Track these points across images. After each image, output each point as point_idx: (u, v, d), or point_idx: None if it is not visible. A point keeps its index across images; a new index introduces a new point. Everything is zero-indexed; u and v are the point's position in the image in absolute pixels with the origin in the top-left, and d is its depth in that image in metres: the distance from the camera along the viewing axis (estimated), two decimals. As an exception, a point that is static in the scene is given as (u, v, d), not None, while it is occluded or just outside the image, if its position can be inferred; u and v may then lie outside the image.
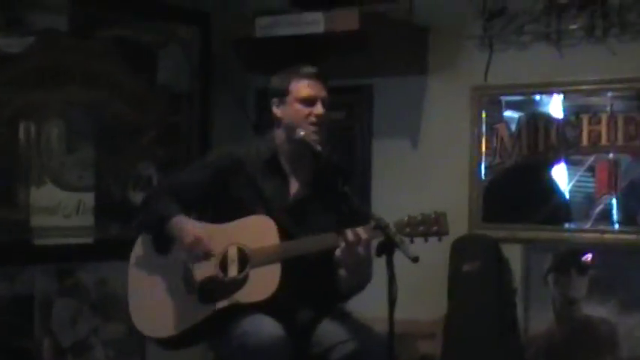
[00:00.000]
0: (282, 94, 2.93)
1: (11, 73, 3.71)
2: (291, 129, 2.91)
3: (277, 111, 2.95)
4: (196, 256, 2.82)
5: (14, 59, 3.72)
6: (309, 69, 2.94)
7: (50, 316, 3.83)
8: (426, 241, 2.76)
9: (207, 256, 2.82)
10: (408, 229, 2.75)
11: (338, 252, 2.79)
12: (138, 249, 3.01)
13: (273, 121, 2.99)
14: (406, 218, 2.76)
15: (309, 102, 2.89)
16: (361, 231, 2.74)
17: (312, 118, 2.87)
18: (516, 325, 4.02)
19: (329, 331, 2.87)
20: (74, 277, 3.95)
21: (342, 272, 2.87)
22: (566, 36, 3.96)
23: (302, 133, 2.86)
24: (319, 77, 2.93)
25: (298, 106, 2.90)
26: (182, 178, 3.04)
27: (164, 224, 2.87)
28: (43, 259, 3.83)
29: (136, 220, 3.04)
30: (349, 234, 2.74)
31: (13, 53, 3.72)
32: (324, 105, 2.90)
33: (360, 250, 2.75)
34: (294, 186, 2.97)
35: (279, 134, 2.97)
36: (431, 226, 2.76)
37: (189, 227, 2.84)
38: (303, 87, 2.90)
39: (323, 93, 2.91)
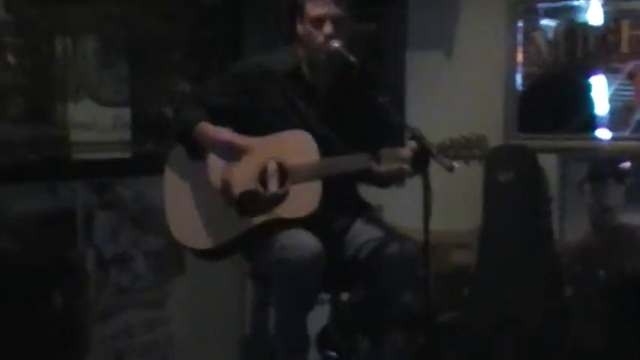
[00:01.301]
0: (300, 11, 2.89)
1: (45, -12, 3.70)
2: (307, 45, 2.88)
3: (299, 27, 2.92)
4: (226, 156, 2.82)
5: (48, -25, 3.71)
6: None
7: (92, 228, 3.90)
8: (467, 163, 2.75)
9: (241, 155, 2.81)
10: (451, 152, 2.73)
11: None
12: (173, 159, 3.01)
13: (294, 33, 2.95)
14: (449, 140, 2.75)
15: (318, 22, 2.83)
16: (400, 156, 2.73)
17: (320, 39, 2.83)
18: (552, 234, 4.03)
19: (360, 231, 2.90)
20: (113, 191, 4.00)
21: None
22: (606, -62, 3.88)
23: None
24: None
25: (309, 26, 2.86)
26: (210, 86, 3.01)
27: (188, 130, 2.85)
28: (83, 173, 3.88)
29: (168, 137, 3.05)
30: (392, 156, 2.73)
31: (47, -31, 3.71)
32: (335, 23, 2.82)
33: (400, 170, 2.75)
34: (322, 95, 2.95)
35: (301, 48, 2.94)
36: (472, 149, 2.74)
37: (218, 131, 2.82)
38: (312, 6, 2.84)
39: (334, 10, 2.83)
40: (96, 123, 3.93)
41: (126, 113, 4.04)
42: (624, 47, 3.86)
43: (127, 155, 4.05)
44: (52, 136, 3.76)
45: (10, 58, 3.62)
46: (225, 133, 2.83)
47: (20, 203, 3.61)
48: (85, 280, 3.86)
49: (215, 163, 2.89)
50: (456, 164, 2.62)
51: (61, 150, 3.79)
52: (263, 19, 4.61)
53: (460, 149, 2.73)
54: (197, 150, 2.90)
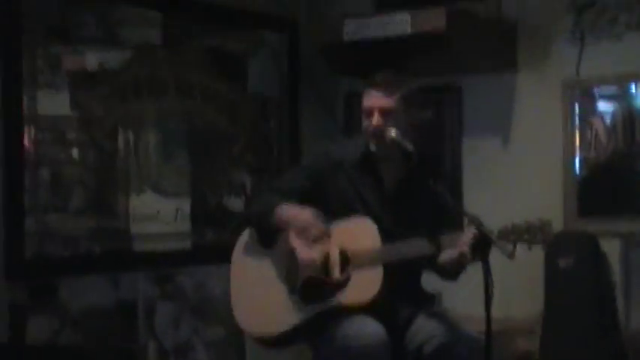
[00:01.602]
0: (360, 103, 2.97)
1: (111, 86, 3.83)
2: (365, 136, 2.94)
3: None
4: (310, 237, 2.85)
5: (113, 73, 3.84)
6: (379, 77, 2.92)
7: (153, 319, 3.93)
8: (530, 248, 2.74)
9: (320, 237, 2.85)
10: (512, 237, 2.71)
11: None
12: (241, 245, 3.05)
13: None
14: (510, 225, 2.73)
15: (368, 113, 2.90)
16: (460, 241, 2.74)
17: (370, 129, 2.89)
18: (617, 320, 3.95)
19: (423, 326, 2.87)
20: (174, 282, 4.05)
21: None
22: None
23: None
24: (384, 85, 2.90)
25: (363, 118, 2.93)
26: (283, 181, 3.07)
27: (270, 213, 2.91)
28: (145, 265, 3.93)
29: (237, 219, 3.08)
30: (449, 240, 2.74)
31: (111, 67, 3.84)
32: (383, 114, 2.87)
33: (460, 257, 2.75)
34: (388, 185, 2.98)
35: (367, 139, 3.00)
36: (535, 233, 2.72)
37: (298, 210, 2.87)
38: (365, 98, 2.92)
39: (381, 102, 2.88)
40: (157, 214, 4.00)
41: (186, 204, 4.11)
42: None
43: (187, 246, 4.11)
44: (114, 228, 3.84)
45: (75, 153, 3.73)
46: (303, 213, 2.87)
47: (82, 296, 3.66)
48: (148, 372, 3.88)
49: (282, 250, 2.93)
50: (514, 249, 2.60)
51: (122, 242, 3.86)
52: (320, 111, 4.69)
53: (522, 234, 2.71)
54: (270, 235, 2.95)
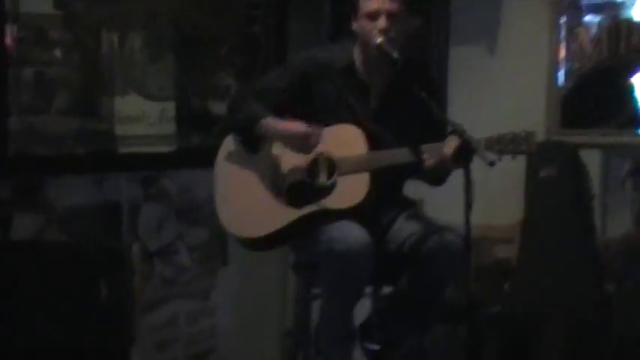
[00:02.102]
0: (354, 8, 2.93)
1: (93, -17, 3.77)
2: (363, 43, 2.92)
3: (354, 24, 2.95)
4: (306, 149, 2.87)
5: (96, -28, 3.78)
6: None
7: (137, 221, 3.97)
8: (513, 157, 2.77)
9: (308, 149, 2.86)
10: (497, 146, 2.75)
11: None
12: (225, 149, 3.06)
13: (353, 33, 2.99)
14: (496, 135, 2.77)
15: (373, 16, 2.86)
16: (443, 148, 2.76)
17: (376, 32, 2.85)
18: (594, 229, 4.03)
19: (404, 227, 2.93)
20: (158, 184, 4.06)
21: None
22: None
23: (378, 40, 2.86)
24: None
25: (364, 22, 2.88)
26: (267, 82, 3.05)
27: (254, 125, 2.91)
28: (129, 166, 3.94)
29: (218, 128, 3.09)
30: (433, 149, 2.77)
31: (95, -36, 3.78)
32: (389, 17, 2.85)
33: (442, 164, 2.78)
34: (374, 93, 2.99)
35: (357, 46, 2.98)
36: (520, 144, 2.76)
37: (290, 125, 2.88)
38: (367, 1, 2.88)
39: (388, 5, 2.85)
40: (142, 117, 3.99)
41: (171, 107, 4.10)
42: (668, 43, 3.86)
43: (172, 149, 4.12)
44: (99, 129, 3.82)
45: (58, 53, 3.69)
46: (295, 125, 2.88)
47: (67, 196, 3.68)
48: (131, 272, 3.93)
49: (267, 155, 2.94)
50: (496, 158, 2.63)
51: (107, 143, 3.86)
52: (308, 15, 4.65)
53: (507, 144, 2.75)
54: (255, 143, 2.95)
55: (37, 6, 3.59)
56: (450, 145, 2.75)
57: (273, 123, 2.90)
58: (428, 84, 2.89)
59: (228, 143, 3.05)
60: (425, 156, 2.79)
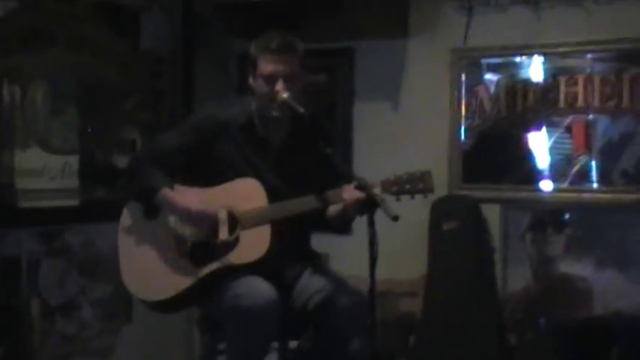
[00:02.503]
0: (253, 65, 2.95)
1: (-5, 36, 3.72)
2: (260, 99, 2.95)
3: (251, 80, 2.98)
4: (201, 227, 2.87)
5: (-2, 22, 3.73)
6: (275, 42, 2.91)
7: (38, 276, 3.87)
8: (412, 197, 2.83)
9: (213, 225, 2.86)
10: (394, 188, 2.81)
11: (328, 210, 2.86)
12: (126, 214, 3.03)
13: (248, 85, 3.01)
14: (392, 177, 2.83)
15: (271, 79, 2.89)
16: (345, 193, 2.80)
17: (272, 94, 2.89)
18: (495, 282, 4.11)
19: (309, 282, 2.94)
20: (61, 239, 3.99)
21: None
22: (543, -2, 4.03)
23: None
24: (284, 50, 2.90)
25: (262, 82, 2.92)
26: (166, 142, 3.04)
27: (152, 195, 2.90)
28: (30, 221, 3.85)
29: (120, 184, 3.07)
30: (336, 195, 2.80)
31: (-4, 17, 3.73)
32: (287, 79, 2.89)
33: (345, 210, 2.81)
34: (274, 146, 3.01)
35: (255, 100, 3.00)
36: (417, 183, 2.82)
37: (184, 200, 2.87)
38: (265, 64, 2.90)
39: (286, 68, 2.89)
40: (43, 170, 3.92)
41: (74, 160, 4.04)
42: (562, 102, 4.00)
43: (75, 203, 4.05)
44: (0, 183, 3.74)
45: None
46: (188, 199, 2.87)
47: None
48: (30, 329, 3.82)
49: (169, 217, 2.93)
50: (396, 212, 2.67)
51: (7, 197, 3.77)
52: (213, 70, 4.67)
53: (403, 184, 2.81)
54: (153, 211, 2.94)
55: None
56: (351, 191, 2.78)
57: (170, 196, 2.89)
58: (324, 136, 2.93)
59: (129, 206, 3.03)
60: (329, 202, 2.82)
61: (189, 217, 2.87)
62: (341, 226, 2.97)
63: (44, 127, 3.91)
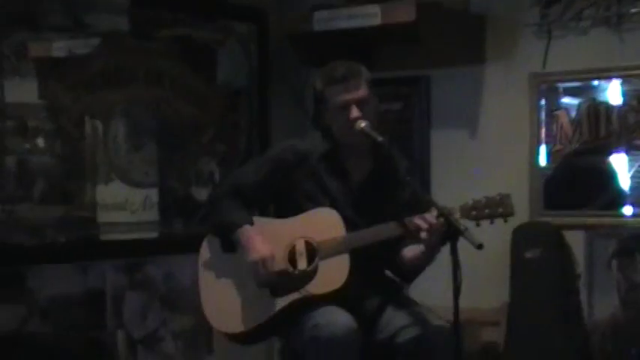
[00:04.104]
0: (321, 101, 2.95)
1: (78, 74, 3.81)
2: (338, 131, 2.94)
3: (325, 116, 2.97)
4: (259, 273, 2.86)
5: (81, 61, 3.82)
6: (339, 71, 2.90)
7: (122, 309, 3.93)
8: (492, 222, 2.78)
9: (269, 276, 2.85)
10: (474, 212, 2.77)
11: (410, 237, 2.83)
12: (206, 246, 3.05)
13: (321, 120, 3.01)
14: (471, 202, 2.79)
15: (344, 108, 2.88)
16: (427, 217, 2.77)
17: (350, 124, 2.87)
18: (580, 311, 4.02)
19: (394, 317, 2.90)
20: (142, 271, 4.04)
21: (406, 256, 2.92)
22: (625, 20, 3.95)
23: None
24: (352, 78, 2.89)
25: (337, 113, 2.91)
26: (246, 175, 3.04)
27: (232, 231, 2.92)
28: (112, 254, 3.92)
29: (200, 216, 3.09)
30: (415, 221, 2.77)
31: (79, 55, 3.82)
32: (360, 105, 2.88)
33: (427, 235, 2.78)
34: (355, 177, 3.00)
35: (333, 133, 2.98)
36: (496, 207, 2.78)
37: (256, 245, 2.87)
38: (334, 95, 2.89)
39: (357, 94, 2.88)
40: (125, 204, 3.99)
41: (154, 194, 4.10)
42: (645, 126, 3.92)
43: (155, 235, 4.10)
44: (82, 217, 3.82)
45: (41, 142, 3.70)
46: (261, 248, 2.87)
47: (49, 285, 3.65)
48: (116, 360, 3.88)
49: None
50: (480, 240, 2.62)
51: (90, 231, 3.84)
52: (289, 103, 4.70)
53: (483, 209, 2.76)
54: (231, 245, 2.96)
55: (21, 96, 3.62)
56: (432, 217, 2.75)
57: (247, 237, 2.89)
58: (409, 168, 2.91)
59: (209, 239, 3.05)
60: (409, 228, 2.78)
61: (255, 261, 2.86)
62: (416, 267, 2.92)
63: (125, 161, 3.99)
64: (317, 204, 2.93)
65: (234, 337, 2.99)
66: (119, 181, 3.96)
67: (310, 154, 2.98)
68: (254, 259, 2.85)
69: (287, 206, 2.97)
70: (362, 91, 2.90)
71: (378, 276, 3.00)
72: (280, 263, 2.88)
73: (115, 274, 3.92)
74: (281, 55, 4.63)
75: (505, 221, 2.82)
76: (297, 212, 2.94)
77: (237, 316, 2.92)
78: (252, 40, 4.56)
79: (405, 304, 2.95)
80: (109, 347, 3.84)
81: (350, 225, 2.88)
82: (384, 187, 2.98)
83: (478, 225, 2.78)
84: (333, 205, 2.92)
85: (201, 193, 4.26)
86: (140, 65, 4.03)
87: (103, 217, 3.90)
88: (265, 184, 2.99)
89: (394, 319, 2.89)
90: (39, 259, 3.64)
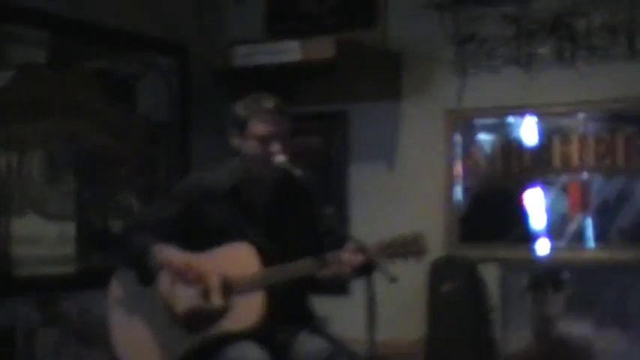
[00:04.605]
0: (242, 127, 2.94)
1: (-7, 106, 3.74)
2: (251, 161, 2.94)
3: (236, 141, 2.96)
4: (188, 280, 2.84)
5: (-6, 93, 3.76)
6: (269, 103, 2.91)
7: (34, 346, 3.83)
8: (407, 259, 2.82)
9: (198, 279, 2.84)
10: (389, 250, 2.80)
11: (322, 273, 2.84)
12: (115, 284, 3.02)
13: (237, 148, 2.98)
14: (387, 240, 2.82)
15: (265, 140, 2.88)
16: (343, 255, 2.79)
17: (267, 158, 2.88)
18: (494, 343, 4.08)
19: (306, 344, 2.89)
20: (57, 307, 3.96)
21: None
22: (536, 59, 4.08)
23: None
24: (279, 112, 2.90)
25: (254, 143, 2.90)
26: (154, 213, 3.05)
27: (145, 256, 2.89)
28: (25, 290, 3.84)
29: (115, 251, 3.06)
30: (333, 259, 2.79)
31: (-7, 86, 3.76)
32: (281, 140, 2.89)
33: (342, 274, 2.80)
34: (260, 209, 2.99)
35: (240, 163, 2.98)
36: (410, 246, 2.82)
37: (172, 254, 2.87)
38: (260, 125, 2.89)
39: (281, 129, 2.89)
40: (40, 237, 3.91)
41: (71, 227, 4.04)
42: (557, 162, 4.02)
43: (71, 270, 4.03)
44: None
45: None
46: (176, 256, 2.86)
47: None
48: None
49: (161, 283, 2.91)
50: (394, 274, 2.65)
51: (3, 266, 3.75)
52: (210, 135, 4.68)
53: (398, 247, 2.80)
54: (148, 275, 2.92)
55: None
56: (350, 254, 2.77)
57: (164, 253, 2.88)
58: (318, 198, 2.93)
59: (118, 278, 3.02)
60: (328, 265, 2.80)
61: (184, 272, 2.84)
62: (336, 286, 2.95)
63: (40, 194, 3.91)
64: (226, 237, 2.92)
65: None
66: (34, 213, 3.89)
67: (215, 189, 2.97)
68: (179, 265, 2.81)
69: (200, 241, 2.94)
70: (285, 128, 2.91)
71: (291, 308, 3.00)
72: (194, 299, 2.86)
73: (28, 310, 3.83)
74: (202, 88, 4.62)
75: (419, 260, 2.86)
76: (209, 246, 2.92)
77: (151, 354, 2.90)
78: (173, 73, 4.55)
79: (319, 334, 2.96)
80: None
81: (264, 256, 2.88)
82: (293, 217, 2.99)
83: (393, 262, 2.81)
84: (245, 237, 2.91)
85: (120, 227, 4.20)
86: (57, 97, 3.98)
87: (18, 250, 3.81)
88: (174, 220, 2.96)
89: (305, 349, 2.88)
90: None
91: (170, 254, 2.87)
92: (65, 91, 4.01)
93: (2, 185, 3.77)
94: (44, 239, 3.93)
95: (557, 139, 4.03)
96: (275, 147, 2.88)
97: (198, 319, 2.85)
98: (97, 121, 4.15)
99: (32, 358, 3.82)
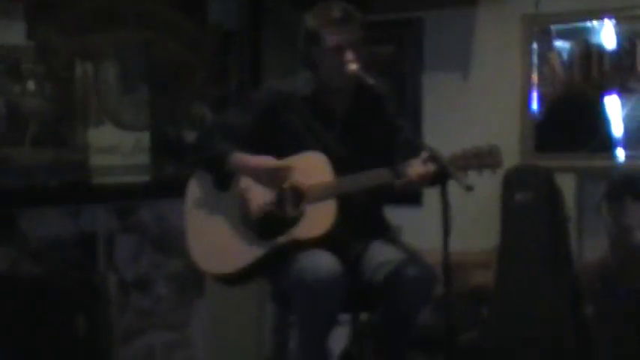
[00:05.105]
0: (313, 40, 2.90)
1: (66, 16, 3.76)
2: (327, 72, 2.91)
3: (314, 53, 2.91)
4: (263, 185, 2.86)
5: (70, 2, 3.77)
6: (338, 12, 2.85)
7: (113, 251, 3.95)
8: (480, 173, 2.79)
9: (273, 186, 2.86)
10: (462, 162, 2.76)
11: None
12: (193, 187, 3.04)
13: (310, 60, 2.95)
14: (460, 151, 2.78)
15: (338, 50, 2.84)
16: (416, 166, 2.76)
17: (341, 65, 2.84)
18: (570, 253, 4.05)
19: (377, 254, 2.91)
20: (134, 215, 4.05)
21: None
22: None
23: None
24: (349, 20, 2.86)
25: (328, 54, 2.87)
26: (232, 118, 3.04)
27: (222, 162, 2.91)
28: (104, 197, 3.92)
29: (190, 158, 3.08)
30: (407, 170, 2.77)
31: (67, -4, 3.78)
32: (354, 48, 2.84)
33: (416, 184, 2.78)
34: (338, 116, 2.98)
35: (321, 73, 2.95)
36: (484, 158, 2.77)
37: (249, 159, 2.87)
38: (330, 35, 2.85)
39: (353, 37, 2.85)
40: (116, 147, 3.98)
41: (146, 137, 4.09)
42: (639, 67, 3.89)
43: (146, 179, 4.10)
44: (73, 160, 3.81)
45: (31, 85, 3.68)
46: (264, 160, 2.87)
47: (41, 228, 3.65)
48: (107, 303, 3.90)
49: (235, 190, 2.94)
50: (469, 182, 2.62)
51: (81, 174, 3.84)
52: (281, 44, 4.66)
53: (471, 159, 2.76)
54: (224, 179, 2.95)
55: (9, 38, 3.58)
56: (423, 163, 2.74)
57: (241, 159, 2.90)
58: (394, 107, 2.89)
59: (196, 181, 3.04)
60: (402, 175, 2.78)
61: (265, 172, 2.86)
62: (410, 196, 2.93)
63: (116, 104, 3.96)
64: (304, 145, 2.92)
65: (220, 278, 3.02)
66: (110, 124, 3.94)
67: (294, 95, 2.97)
68: (264, 168, 2.84)
69: (274, 148, 2.94)
70: (357, 35, 2.87)
71: (364, 218, 3.01)
72: (268, 205, 2.89)
73: (107, 218, 3.92)
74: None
75: (493, 172, 2.82)
76: (285, 154, 2.92)
77: (223, 257, 2.94)
78: (244, -20, 4.51)
79: (390, 244, 2.96)
80: (100, 289, 3.86)
81: (338, 165, 2.88)
82: (370, 128, 2.96)
83: (466, 174, 2.77)
84: (320, 145, 2.91)
85: (193, 136, 4.23)
86: (130, 7, 3.98)
87: (95, 160, 3.89)
88: (251, 126, 2.97)
89: (376, 258, 2.90)
90: (30, 202, 3.64)
91: (247, 159, 2.89)
92: (138, 1, 4.01)
93: (79, 95, 3.83)
94: (120, 149, 4.00)
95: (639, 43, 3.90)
96: (348, 55, 2.84)
97: (272, 225, 2.88)
98: (169, 31, 4.15)
99: (113, 262, 3.93)
